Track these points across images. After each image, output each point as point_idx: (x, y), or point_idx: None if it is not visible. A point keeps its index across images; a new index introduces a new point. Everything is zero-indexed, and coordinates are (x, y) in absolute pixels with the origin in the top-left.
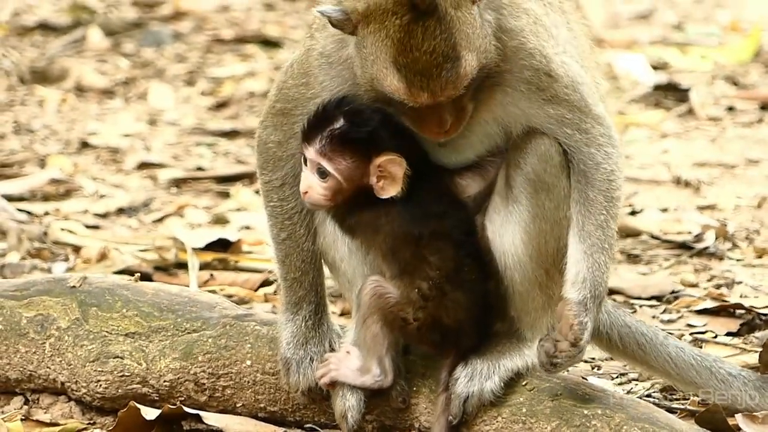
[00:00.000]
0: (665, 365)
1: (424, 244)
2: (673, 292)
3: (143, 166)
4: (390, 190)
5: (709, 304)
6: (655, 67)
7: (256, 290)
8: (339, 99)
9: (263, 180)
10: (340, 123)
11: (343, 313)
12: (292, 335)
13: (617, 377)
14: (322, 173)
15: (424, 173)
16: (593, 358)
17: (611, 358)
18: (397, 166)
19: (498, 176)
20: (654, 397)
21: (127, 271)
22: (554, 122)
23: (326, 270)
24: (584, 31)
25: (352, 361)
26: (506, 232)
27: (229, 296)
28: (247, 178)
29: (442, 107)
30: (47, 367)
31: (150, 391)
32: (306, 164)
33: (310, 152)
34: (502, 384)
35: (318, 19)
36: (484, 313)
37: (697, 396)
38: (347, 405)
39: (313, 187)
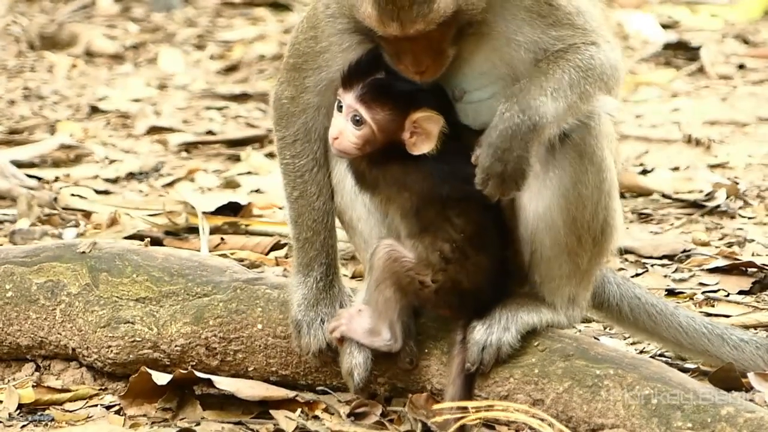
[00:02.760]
0: (677, 335)
1: (451, 205)
2: (684, 251)
3: (153, 130)
4: (422, 147)
5: (721, 262)
6: (665, 26)
7: (266, 254)
8: (373, 55)
9: (277, 137)
10: (383, 74)
11: (355, 276)
12: (303, 297)
13: (629, 337)
14: (357, 121)
15: (455, 135)
16: None
17: None
18: (434, 124)
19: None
20: (666, 357)
21: (138, 236)
22: (559, 42)
23: (340, 234)
24: None
25: (363, 320)
26: (544, 197)
27: (240, 260)
28: (257, 141)
29: (418, 45)
30: (58, 333)
31: (161, 356)
32: (340, 110)
33: (349, 98)
34: (519, 337)
35: None
36: (502, 278)
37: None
38: (354, 362)
39: (344, 133)
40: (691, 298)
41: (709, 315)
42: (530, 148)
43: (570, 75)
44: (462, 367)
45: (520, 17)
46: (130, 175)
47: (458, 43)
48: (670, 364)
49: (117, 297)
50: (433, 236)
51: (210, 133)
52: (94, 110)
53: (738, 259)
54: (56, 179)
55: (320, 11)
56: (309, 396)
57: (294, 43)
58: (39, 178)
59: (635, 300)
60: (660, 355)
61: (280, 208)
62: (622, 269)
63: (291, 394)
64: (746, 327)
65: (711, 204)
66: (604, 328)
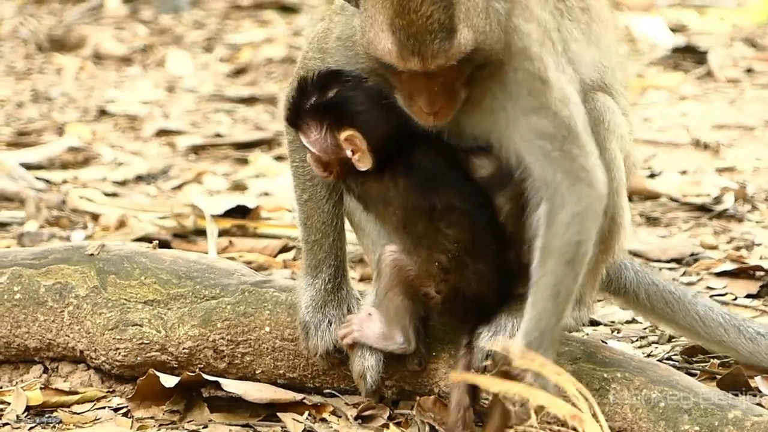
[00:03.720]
0: (693, 324)
1: (438, 216)
2: (692, 254)
3: (161, 133)
4: (362, 164)
5: (729, 266)
6: (673, 30)
7: (275, 256)
8: (316, 75)
9: (288, 140)
10: (313, 97)
11: (363, 278)
12: (311, 299)
13: (637, 340)
14: (306, 146)
15: (427, 147)
16: (613, 322)
17: (632, 321)
18: (359, 141)
19: None
20: (674, 360)
21: (146, 239)
22: (535, 135)
23: (349, 236)
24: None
25: (375, 325)
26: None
27: (248, 263)
28: (265, 144)
29: (434, 83)
30: (66, 336)
31: (169, 358)
32: None
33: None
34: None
35: (336, 2)
36: (506, 281)
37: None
38: (366, 365)
39: (308, 159)
40: None
41: None
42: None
43: (564, 279)
44: (467, 368)
45: (508, 90)
46: (139, 178)
47: (470, 85)
48: (678, 368)
49: (125, 299)
50: (429, 249)
51: (218, 135)
52: (103, 112)
53: (746, 263)
54: (64, 181)
55: (332, 38)
56: (316, 399)
57: (304, 58)
58: (47, 181)
59: (652, 287)
60: (668, 359)
61: (289, 211)
62: None
63: (298, 396)
64: None
65: (719, 208)
66: (612, 332)
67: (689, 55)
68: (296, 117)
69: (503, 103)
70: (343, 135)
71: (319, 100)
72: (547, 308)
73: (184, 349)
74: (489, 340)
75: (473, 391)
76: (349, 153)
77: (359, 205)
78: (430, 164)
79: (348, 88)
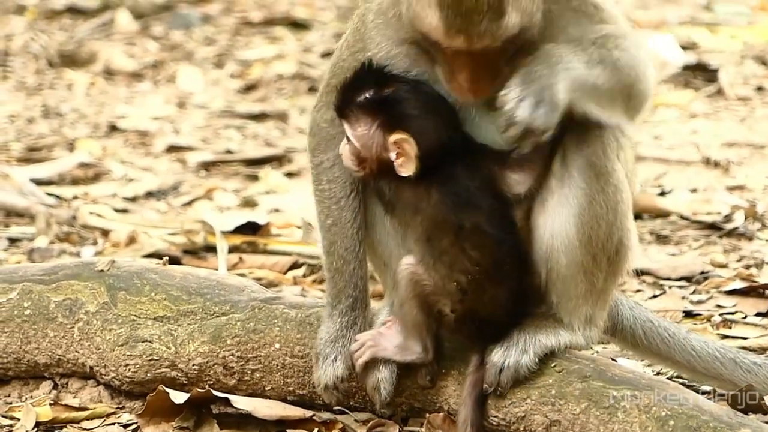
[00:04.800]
0: (690, 359)
1: (465, 236)
2: (702, 272)
3: (172, 149)
4: (405, 169)
5: (739, 284)
6: (684, 48)
7: (285, 273)
8: (377, 68)
9: (314, 162)
10: (369, 90)
11: (372, 296)
12: (327, 330)
13: (648, 360)
14: (348, 137)
15: (467, 162)
16: None
17: None
18: (409, 146)
19: (554, 160)
20: (684, 378)
21: (156, 255)
22: (597, 37)
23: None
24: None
25: (392, 337)
26: (559, 215)
27: (258, 279)
28: (276, 160)
29: (477, 62)
30: (76, 352)
31: (179, 374)
32: None
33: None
34: (537, 360)
35: None
36: (521, 306)
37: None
38: (380, 377)
39: (343, 150)
40: (709, 320)
41: (726, 337)
42: (559, 79)
43: (605, 63)
44: (473, 389)
45: (566, 18)
46: (149, 194)
47: (513, 63)
48: (687, 386)
49: (135, 315)
50: (449, 267)
51: (228, 152)
52: (113, 128)
53: (756, 281)
54: (75, 197)
55: (369, 20)
56: (326, 416)
57: (336, 63)
58: (57, 196)
59: (648, 323)
60: (677, 377)
61: (299, 228)
62: (640, 290)
63: (308, 413)
64: (763, 349)
65: (729, 226)
66: (621, 350)
67: (700, 73)
68: (346, 106)
69: (563, 29)
70: (394, 137)
71: (376, 95)
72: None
73: (193, 365)
74: (502, 355)
75: (481, 408)
76: (393, 156)
77: (386, 210)
78: (467, 181)
79: (406, 90)
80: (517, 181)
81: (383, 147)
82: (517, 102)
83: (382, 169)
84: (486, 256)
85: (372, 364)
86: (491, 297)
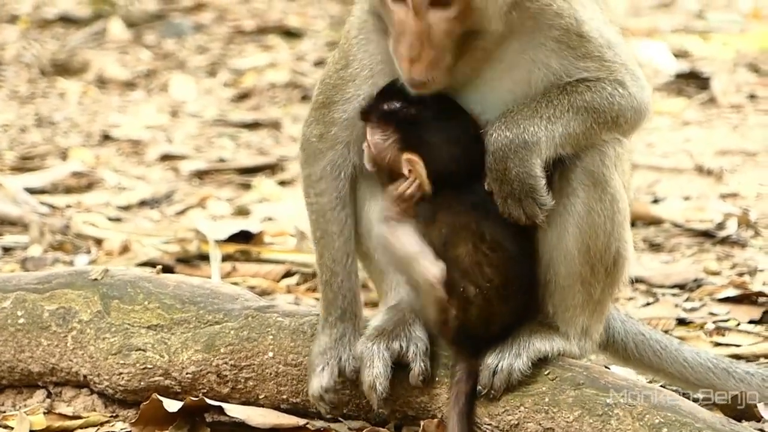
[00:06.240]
0: (682, 370)
1: (483, 249)
2: (695, 280)
3: (165, 158)
4: (418, 189)
5: (732, 292)
6: (676, 55)
7: (278, 281)
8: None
9: (304, 175)
10: (395, 102)
11: (366, 304)
12: (318, 342)
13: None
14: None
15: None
16: None
17: None
18: (420, 167)
19: (554, 172)
20: (677, 386)
21: (150, 264)
22: (585, 72)
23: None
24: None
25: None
26: (558, 225)
27: (252, 288)
28: (269, 169)
29: (422, 30)
30: (69, 360)
31: (172, 383)
32: None
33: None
34: (530, 364)
35: None
36: (519, 321)
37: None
38: (375, 372)
39: (364, 149)
40: (702, 328)
41: (719, 344)
42: (528, 163)
43: (576, 108)
44: (457, 402)
45: (549, 47)
46: (142, 203)
47: (460, 56)
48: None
49: (128, 324)
50: (461, 275)
51: (222, 160)
52: (106, 137)
53: (749, 289)
54: (68, 206)
55: (352, 36)
56: (319, 424)
57: (324, 79)
58: (51, 205)
59: (639, 336)
60: (670, 385)
61: (292, 236)
62: (633, 298)
63: (301, 422)
64: (757, 356)
65: (722, 233)
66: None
67: (692, 81)
68: (370, 110)
69: (546, 59)
70: (406, 156)
71: (400, 110)
72: (570, 110)
73: (187, 373)
74: (495, 357)
75: (467, 419)
76: (406, 172)
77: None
78: (487, 195)
79: (431, 112)
80: None
81: (396, 161)
82: (504, 205)
83: (394, 178)
84: (500, 274)
85: (367, 360)
86: (494, 313)
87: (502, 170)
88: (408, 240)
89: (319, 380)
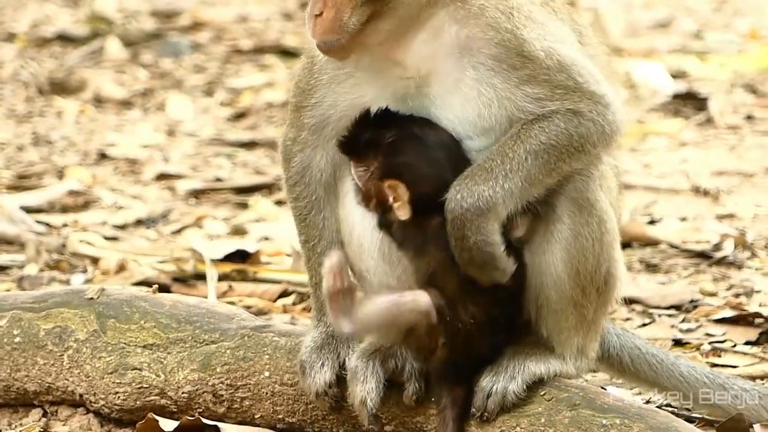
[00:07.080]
0: (678, 385)
1: (469, 288)
2: (692, 301)
3: (162, 177)
4: (401, 214)
5: (728, 313)
6: (674, 76)
7: (274, 301)
8: (383, 110)
9: (284, 178)
10: (370, 133)
11: None
12: (312, 339)
13: (636, 386)
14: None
15: None
16: None
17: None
18: (402, 192)
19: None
20: (673, 407)
21: (146, 283)
22: (533, 102)
23: None
24: (601, 50)
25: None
26: (546, 252)
27: (248, 307)
28: (265, 188)
29: None
30: (65, 379)
31: (168, 402)
32: None
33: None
34: (525, 386)
35: None
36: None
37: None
38: (367, 388)
39: (351, 180)
40: (698, 349)
41: (715, 365)
42: (485, 231)
43: (534, 154)
44: (446, 423)
45: (488, 65)
46: (139, 222)
47: (377, 23)
48: (677, 414)
49: (124, 343)
50: (447, 305)
51: (218, 179)
52: (103, 156)
53: (745, 310)
54: (64, 225)
55: None
56: None
57: (296, 82)
58: (47, 224)
59: (635, 350)
60: (667, 405)
61: (289, 255)
62: (629, 319)
63: None
64: (753, 378)
65: (718, 254)
66: (611, 378)
67: (690, 102)
68: (349, 144)
69: (487, 78)
70: (387, 183)
71: (376, 139)
72: (527, 159)
73: (183, 393)
74: (490, 380)
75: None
76: (390, 200)
77: (393, 242)
78: None
79: (407, 135)
80: (517, 227)
81: (380, 190)
82: (467, 270)
83: (384, 209)
84: (484, 314)
85: (359, 374)
86: (476, 346)
87: (460, 238)
88: (378, 302)
89: (322, 376)
